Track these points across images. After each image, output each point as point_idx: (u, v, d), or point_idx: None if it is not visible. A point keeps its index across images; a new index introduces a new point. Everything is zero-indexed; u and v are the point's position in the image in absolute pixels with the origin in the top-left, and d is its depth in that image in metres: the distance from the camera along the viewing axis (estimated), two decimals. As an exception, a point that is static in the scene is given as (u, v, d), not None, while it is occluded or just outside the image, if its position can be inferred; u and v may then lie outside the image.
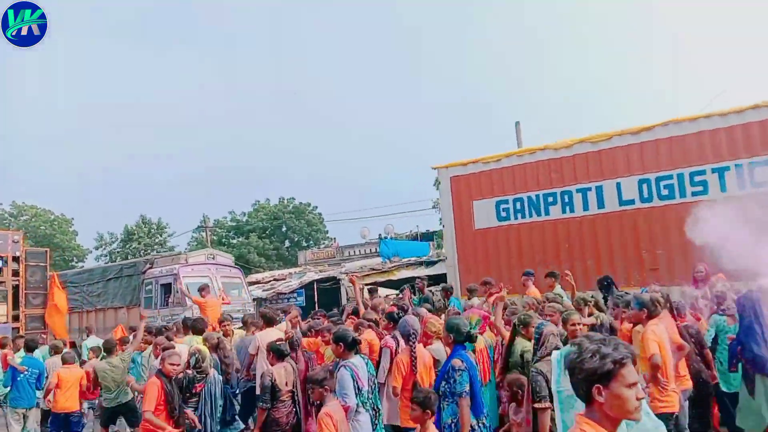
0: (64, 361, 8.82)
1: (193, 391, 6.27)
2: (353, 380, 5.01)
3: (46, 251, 16.13)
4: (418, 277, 13.09)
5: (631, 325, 6.03)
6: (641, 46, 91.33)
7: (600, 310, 7.18)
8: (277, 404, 5.65)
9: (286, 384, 5.73)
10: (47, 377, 9.22)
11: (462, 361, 4.75)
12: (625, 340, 5.99)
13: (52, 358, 9.72)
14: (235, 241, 41.28)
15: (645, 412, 3.25)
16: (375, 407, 5.14)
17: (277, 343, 6.12)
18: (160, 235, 44.53)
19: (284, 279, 26.85)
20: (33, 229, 44.96)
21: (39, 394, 9.35)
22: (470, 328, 5.19)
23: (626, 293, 7.48)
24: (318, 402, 5.05)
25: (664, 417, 5.16)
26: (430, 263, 24.15)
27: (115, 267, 18.46)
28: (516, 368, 5.66)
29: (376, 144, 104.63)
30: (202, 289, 11.96)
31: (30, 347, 9.74)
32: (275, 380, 5.65)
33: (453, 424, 4.73)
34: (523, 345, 5.69)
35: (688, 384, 5.62)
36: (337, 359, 5.38)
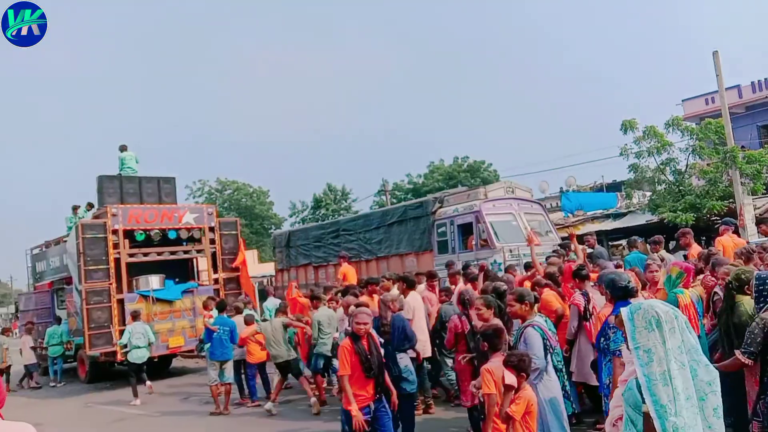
0: (246, 322, 10.50)
1: None
2: (543, 340, 4.93)
3: (236, 221, 17.65)
4: (588, 234, 12.08)
5: None
6: None
7: None
8: None
9: None
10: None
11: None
12: None
13: (236, 317, 10.90)
14: (413, 203, 42.01)
15: (704, 363, 3.20)
16: (557, 367, 5.03)
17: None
18: (345, 201, 46.66)
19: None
20: (236, 201, 49.67)
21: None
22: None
23: None
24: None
25: None
26: (617, 215, 22.48)
27: (398, 209, 16.55)
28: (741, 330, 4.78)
29: (553, 89, 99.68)
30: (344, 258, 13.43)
31: (221, 308, 10.97)
32: None
33: (609, 384, 4.51)
34: (749, 304, 4.85)
35: None
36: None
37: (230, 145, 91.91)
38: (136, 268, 14.83)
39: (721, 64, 19.80)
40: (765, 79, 33.63)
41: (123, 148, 16.12)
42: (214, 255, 15.84)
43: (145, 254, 14.87)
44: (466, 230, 13.43)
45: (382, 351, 6.11)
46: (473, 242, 13.12)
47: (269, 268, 38.73)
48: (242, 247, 16.44)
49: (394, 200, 41.22)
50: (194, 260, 16.89)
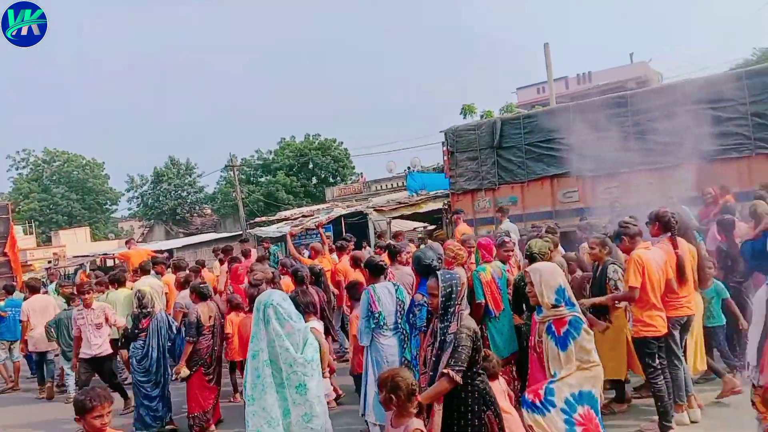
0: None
1: (141, 327, 6.88)
2: (368, 303, 5.21)
3: (8, 205, 16.76)
4: (454, 211, 12.04)
5: None
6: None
7: None
8: (200, 338, 6.36)
9: (209, 319, 6.47)
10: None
11: (423, 296, 4.67)
12: None
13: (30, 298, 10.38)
14: (262, 180, 41.35)
15: (285, 348, 3.83)
16: (404, 331, 5.17)
17: (201, 285, 6.82)
18: (189, 176, 44.76)
19: (312, 215, 26.84)
20: (66, 174, 45.67)
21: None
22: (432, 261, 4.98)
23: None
24: None
25: (642, 341, 5.07)
26: (457, 195, 23.72)
27: None
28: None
29: (398, 78, 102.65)
30: (129, 241, 13.19)
31: (8, 291, 11.03)
32: (200, 317, 6.38)
33: (417, 357, 4.74)
34: None
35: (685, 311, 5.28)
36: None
37: (61, 112, 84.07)
38: None
39: (551, 55, 21.69)
40: (589, 72, 37.22)
41: None
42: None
43: None
44: None
45: None
46: None
47: (105, 247, 36.30)
48: (12, 232, 15.71)
49: (243, 176, 40.30)
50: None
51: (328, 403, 6.45)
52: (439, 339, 3.61)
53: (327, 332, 7.28)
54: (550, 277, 4.05)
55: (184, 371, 6.34)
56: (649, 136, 10.69)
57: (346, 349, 8.77)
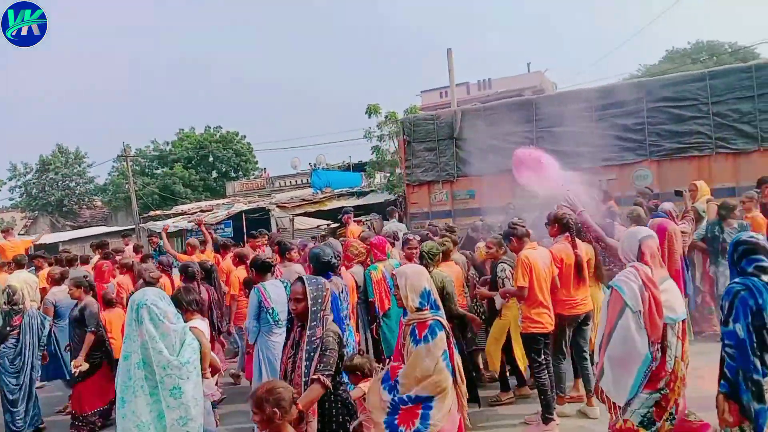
0: None
1: (13, 324, 6.56)
2: (258, 301, 5.21)
3: None
4: (344, 210, 12.03)
5: None
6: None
7: None
8: (100, 329, 6.46)
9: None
10: None
11: None
12: None
13: None
14: (158, 172, 39.53)
15: (158, 350, 3.69)
16: None
17: (86, 278, 6.85)
18: (79, 165, 42.16)
19: (211, 210, 26.06)
20: (-64, 158, 41.74)
21: None
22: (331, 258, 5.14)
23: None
24: None
25: (530, 337, 5.35)
26: (361, 194, 23.88)
27: None
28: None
29: (306, 75, 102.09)
30: (5, 231, 12.21)
31: None
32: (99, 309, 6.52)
33: None
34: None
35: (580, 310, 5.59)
36: None
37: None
38: None
39: (453, 61, 22.22)
40: (489, 79, 38.52)
41: None
42: None
43: None
44: None
45: None
46: None
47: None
48: None
49: (137, 167, 38.49)
50: None
51: (219, 400, 6.32)
52: (305, 347, 3.56)
53: (219, 331, 7.09)
54: (416, 280, 4.02)
55: (84, 365, 6.13)
56: (616, 132, 10.81)
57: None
